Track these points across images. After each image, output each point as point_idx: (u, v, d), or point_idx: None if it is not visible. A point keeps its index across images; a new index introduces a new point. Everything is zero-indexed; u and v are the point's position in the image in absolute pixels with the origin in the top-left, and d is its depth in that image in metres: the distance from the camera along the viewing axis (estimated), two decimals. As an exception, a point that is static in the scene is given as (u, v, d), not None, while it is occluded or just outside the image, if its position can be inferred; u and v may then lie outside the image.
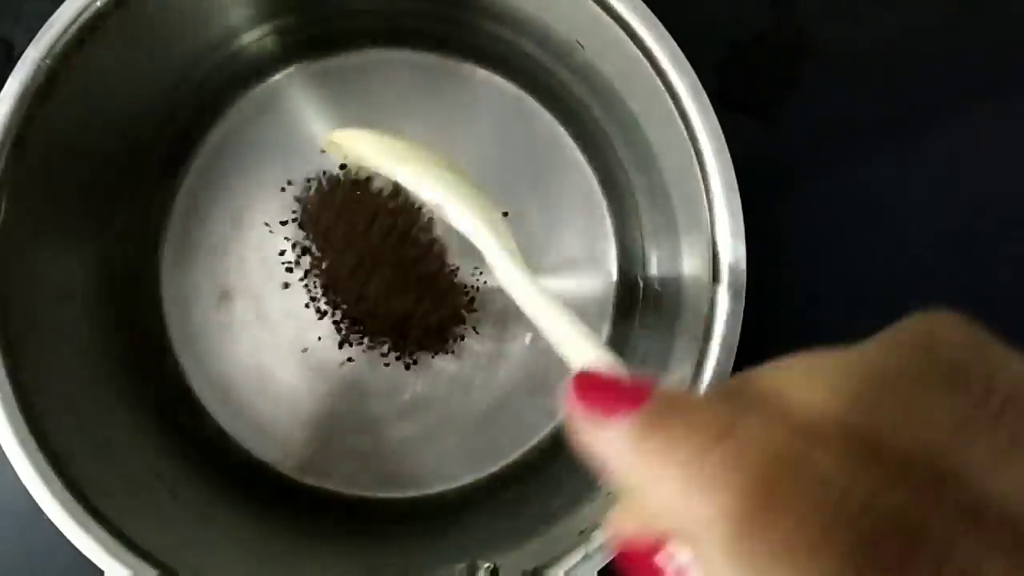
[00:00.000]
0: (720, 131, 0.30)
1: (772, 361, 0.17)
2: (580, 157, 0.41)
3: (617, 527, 0.18)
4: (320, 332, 0.40)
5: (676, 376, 0.32)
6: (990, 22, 0.43)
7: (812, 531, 0.13)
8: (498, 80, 0.41)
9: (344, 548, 0.38)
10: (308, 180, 0.40)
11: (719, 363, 0.29)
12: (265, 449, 0.40)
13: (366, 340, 0.40)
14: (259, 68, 0.41)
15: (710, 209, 0.30)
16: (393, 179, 0.32)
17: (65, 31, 0.31)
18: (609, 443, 0.16)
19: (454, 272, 0.40)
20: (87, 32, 0.31)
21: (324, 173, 0.40)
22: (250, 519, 0.38)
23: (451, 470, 0.40)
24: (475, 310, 0.40)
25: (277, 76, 0.41)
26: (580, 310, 0.40)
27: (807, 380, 0.15)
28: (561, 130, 0.41)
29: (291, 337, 0.40)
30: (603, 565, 0.29)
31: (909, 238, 0.42)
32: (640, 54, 0.31)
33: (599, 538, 0.29)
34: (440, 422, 0.40)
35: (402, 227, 0.39)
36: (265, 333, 0.40)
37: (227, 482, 0.38)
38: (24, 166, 0.31)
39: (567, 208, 0.41)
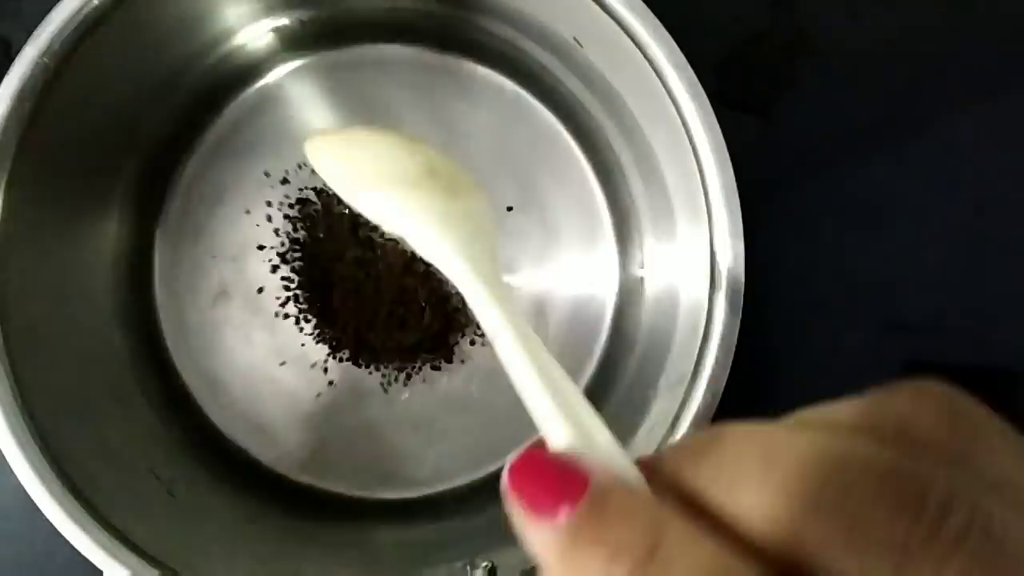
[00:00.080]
0: (718, 129, 0.30)
1: (736, 431, 0.15)
2: (579, 155, 0.41)
3: None
4: (318, 331, 0.40)
5: (675, 374, 0.32)
6: (989, 22, 0.43)
7: None
8: (497, 78, 0.41)
9: (342, 547, 0.38)
10: (290, 209, 0.41)
11: (717, 361, 0.29)
12: (262, 448, 0.40)
13: (372, 366, 0.40)
14: (258, 65, 0.41)
15: (708, 208, 0.30)
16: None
17: (63, 29, 0.31)
18: (535, 543, 0.15)
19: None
20: (85, 30, 0.31)
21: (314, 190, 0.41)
22: (248, 519, 0.38)
23: (449, 470, 0.40)
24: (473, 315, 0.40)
25: (276, 73, 0.41)
26: (579, 310, 0.40)
27: (758, 481, 0.14)
28: (560, 128, 0.41)
29: (288, 336, 0.40)
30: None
31: (908, 238, 0.42)
32: (638, 52, 0.30)
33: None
34: (438, 422, 0.40)
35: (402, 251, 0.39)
36: (262, 332, 0.40)
37: (224, 482, 0.38)
38: (22, 164, 0.31)
39: (565, 207, 0.41)
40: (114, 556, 0.29)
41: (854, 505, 0.13)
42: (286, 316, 0.40)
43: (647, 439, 0.31)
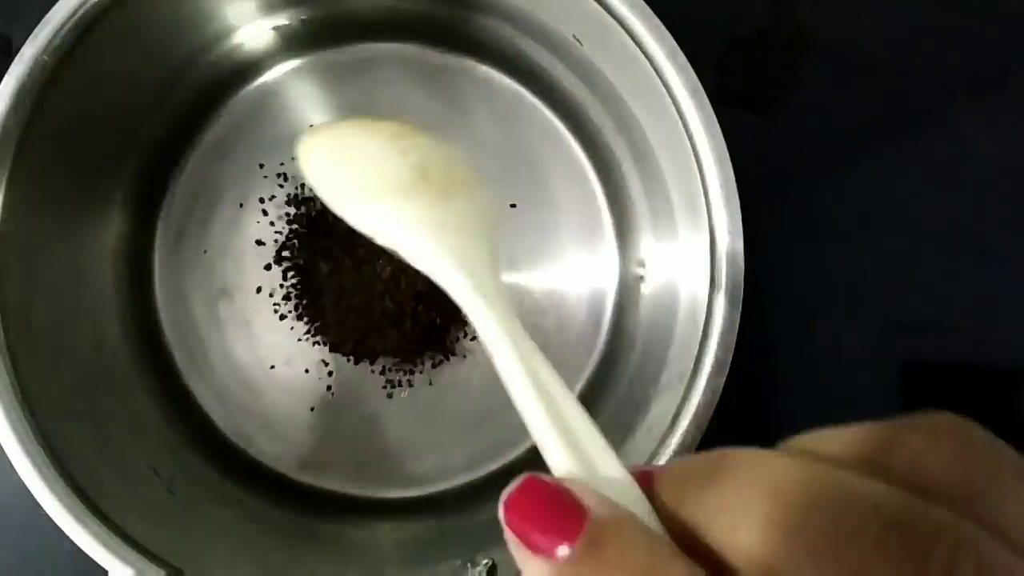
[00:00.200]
0: (718, 127, 0.30)
1: (739, 462, 0.15)
2: (579, 154, 0.41)
3: None
4: (318, 329, 0.40)
5: (675, 372, 0.32)
6: (991, 21, 0.43)
7: None
8: (496, 76, 0.41)
9: (343, 545, 0.38)
10: (288, 208, 0.41)
11: (717, 359, 0.29)
12: (262, 447, 0.40)
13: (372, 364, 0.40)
14: (258, 63, 0.41)
15: (708, 206, 0.30)
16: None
17: (63, 27, 0.31)
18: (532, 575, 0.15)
19: None
20: (85, 28, 0.31)
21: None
22: (248, 517, 0.38)
23: (450, 469, 0.40)
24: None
25: (276, 71, 0.41)
26: (578, 308, 0.40)
27: (761, 524, 0.13)
28: (559, 126, 0.41)
29: (288, 334, 0.40)
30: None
31: (908, 237, 0.42)
32: (637, 50, 0.30)
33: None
34: (439, 420, 0.40)
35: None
36: (262, 330, 0.40)
37: (225, 480, 0.38)
38: (22, 163, 0.31)
39: (565, 205, 0.41)
40: (118, 555, 0.29)
41: (858, 554, 0.12)
42: (285, 315, 0.40)
43: (647, 437, 0.31)
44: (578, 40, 0.35)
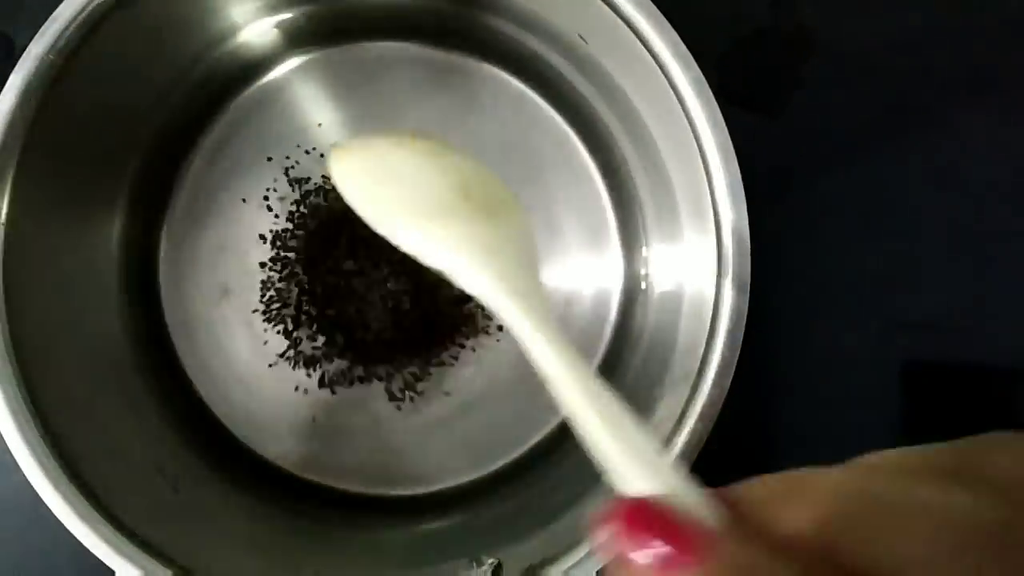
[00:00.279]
0: (724, 125, 0.30)
1: (832, 482, 0.15)
2: (583, 152, 0.41)
3: None
4: (322, 329, 0.40)
5: (680, 372, 0.32)
6: (993, 20, 0.43)
7: None
8: (501, 75, 0.41)
9: (348, 545, 0.38)
10: (293, 207, 0.41)
11: (723, 358, 0.29)
12: (267, 446, 0.40)
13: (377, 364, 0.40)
14: (262, 61, 0.41)
15: (715, 205, 0.30)
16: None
17: (68, 26, 0.31)
18: None
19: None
20: (91, 26, 0.31)
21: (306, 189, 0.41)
22: (253, 516, 0.38)
23: (453, 468, 0.40)
24: (477, 310, 0.40)
25: (280, 69, 0.41)
26: (584, 308, 0.40)
27: (886, 541, 0.13)
28: (564, 126, 0.41)
29: (292, 333, 0.40)
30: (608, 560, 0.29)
31: (909, 236, 0.42)
32: (643, 48, 0.30)
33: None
34: (442, 419, 0.40)
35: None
36: (266, 329, 0.40)
37: (228, 478, 0.38)
38: (27, 162, 0.31)
39: (570, 205, 0.41)
40: (125, 555, 0.29)
41: (968, 569, 0.12)
42: (290, 313, 0.40)
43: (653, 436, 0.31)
44: (583, 39, 0.35)
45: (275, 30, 0.40)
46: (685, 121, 0.30)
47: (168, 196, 0.41)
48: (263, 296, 0.40)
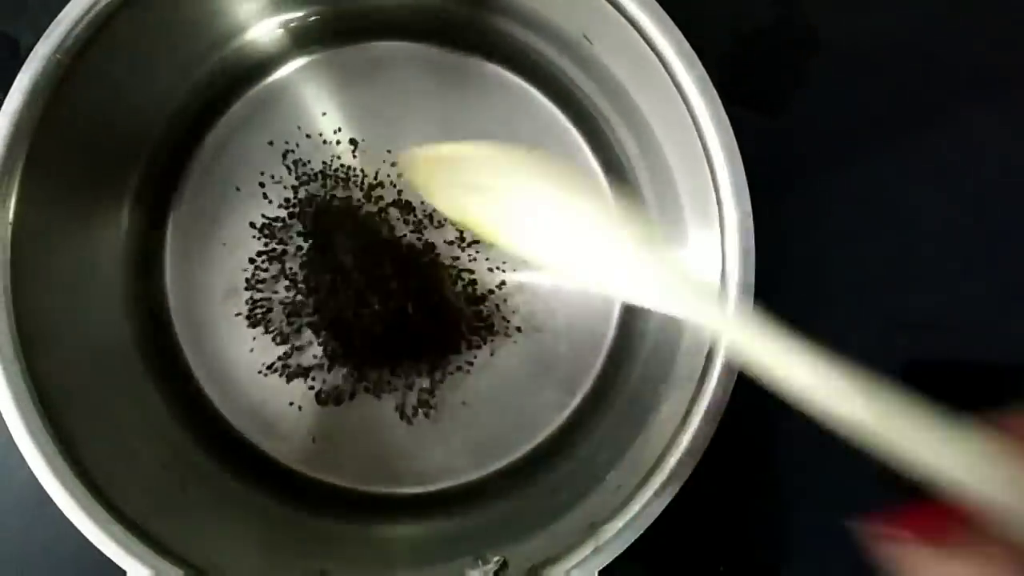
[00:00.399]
0: (728, 124, 0.30)
1: None
2: (587, 152, 0.41)
3: None
4: (327, 328, 0.40)
5: (684, 370, 0.32)
6: (996, 19, 0.43)
7: None
8: (505, 74, 0.41)
9: (354, 543, 0.38)
10: (297, 206, 0.41)
11: (727, 357, 0.30)
12: (272, 444, 0.40)
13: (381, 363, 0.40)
14: (268, 60, 0.41)
15: (719, 204, 0.30)
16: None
17: (76, 25, 0.31)
18: None
19: (458, 274, 0.40)
20: (98, 26, 0.31)
21: (321, 175, 0.41)
22: (258, 515, 0.38)
23: (457, 466, 0.40)
24: (481, 310, 0.40)
25: (286, 68, 0.41)
26: (588, 308, 0.41)
27: None
28: (569, 126, 0.41)
29: (297, 332, 0.40)
30: (612, 559, 0.29)
31: (911, 235, 0.42)
32: (647, 47, 0.30)
33: (609, 532, 0.29)
34: (446, 418, 0.40)
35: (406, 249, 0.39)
36: (271, 328, 0.40)
37: (236, 478, 0.38)
38: (34, 161, 0.31)
39: (574, 204, 0.41)
40: (135, 554, 0.29)
41: None
42: (295, 313, 0.40)
43: (658, 434, 0.31)
44: (588, 39, 0.35)
45: (280, 30, 0.40)
46: (689, 120, 0.30)
47: (174, 194, 0.41)
48: (266, 295, 0.40)
